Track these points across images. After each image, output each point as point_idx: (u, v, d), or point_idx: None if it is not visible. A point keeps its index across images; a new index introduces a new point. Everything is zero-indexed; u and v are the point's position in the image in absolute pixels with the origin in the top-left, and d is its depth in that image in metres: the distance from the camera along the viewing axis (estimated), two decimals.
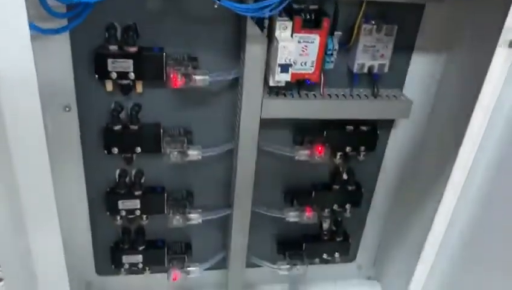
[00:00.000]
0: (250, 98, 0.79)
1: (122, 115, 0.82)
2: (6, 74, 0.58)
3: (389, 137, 0.96)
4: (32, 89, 0.60)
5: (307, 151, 0.86)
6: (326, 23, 0.75)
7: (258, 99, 0.79)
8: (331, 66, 0.80)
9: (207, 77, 0.76)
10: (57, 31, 0.66)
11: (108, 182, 0.89)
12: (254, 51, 0.74)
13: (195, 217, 0.89)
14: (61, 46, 0.75)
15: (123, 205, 0.89)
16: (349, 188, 0.98)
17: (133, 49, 0.74)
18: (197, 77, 0.75)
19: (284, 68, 0.73)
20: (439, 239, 0.88)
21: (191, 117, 0.86)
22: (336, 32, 0.78)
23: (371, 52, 0.81)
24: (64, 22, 0.69)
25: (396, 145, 0.97)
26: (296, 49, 0.75)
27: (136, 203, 0.89)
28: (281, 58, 0.72)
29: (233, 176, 0.90)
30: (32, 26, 0.62)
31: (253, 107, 0.80)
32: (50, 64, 0.75)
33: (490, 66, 0.67)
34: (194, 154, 0.83)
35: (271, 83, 0.78)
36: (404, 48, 0.85)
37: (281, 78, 0.74)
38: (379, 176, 1.01)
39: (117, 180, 0.89)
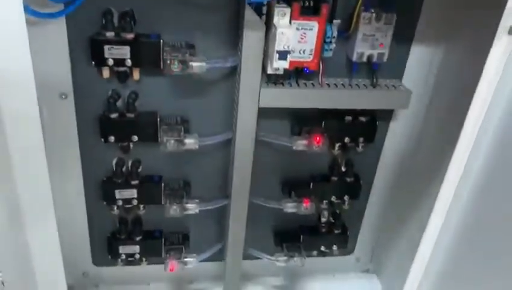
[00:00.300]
0: (248, 87, 0.78)
1: (119, 103, 0.82)
2: (0, 60, 0.58)
3: (388, 128, 0.95)
4: (28, 76, 0.60)
5: (304, 141, 0.85)
6: (325, 9, 0.74)
7: (256, 87, 0.79)
8: (330, 54, 0.79)
9: (204, 64, 0.75)
10: (53, 15, 0.66)
11: (105, 171, 0.89)
12: (252, 38, 0.73)
13: (192, 207, 0.89)
14: (57, 33, 0.74)
15: (120, 194, 0.88)
16: (348, 179, 0.97)
17: (130, 36, 0.74)
18: (194, 64, 0.74)
19: (282, 55, 0.73)
20: (436, 233, 0.87)
21: (189, 106, 0.85)
22: (334, 21, 0.78)
23: (370, 41, 0.80)
24: (60, 7, 0.68)
25: (395, 137, 0.96)
26: (295, 36, 0.75)
27: (133, 193, 0.89)
28: (279, 44, 0.72)
29: (231, 166, 0.89)
30: (27, 10, 0.61)
31: (251, 95, 0.79)
32: (46, 51, 0.74)
33: (489, 54, 0.66)
34: (191, 142, 0.82)
35: (269, 71, 0.78)
36: (403, 38, 0.84)
37: (279, 65, 0.74)
38: (378, 167, 1.01)
39: (114, 169, 0.88)
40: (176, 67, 0.73)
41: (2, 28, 0.56)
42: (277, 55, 0.72)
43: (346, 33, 0.80)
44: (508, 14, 0.65)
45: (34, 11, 0.63)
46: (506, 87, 0.71)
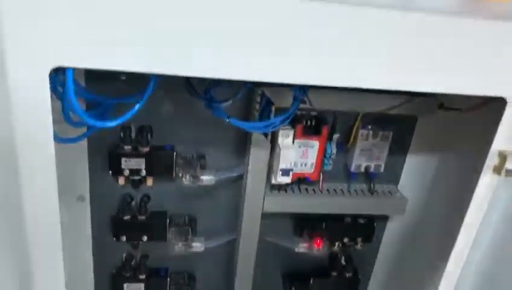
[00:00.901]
0: (253, 195, 0.84)
1: (132, 204, 0.87)
2: (27, 166, 0.63)
3: (385, 228, 1.00)
4: (51, 181, 0.64)
5: (305, 244, 0.90)
6: (325, 131, 0.81)
7: (260, 196, 0.84)
8: (329, 167, 0.85)
9: (213, 177, 0.81)
10: (74, 140, 0.71)
11: (115, 264, 0.93)
12: (258, 155, 0.80)
13: None
14: (78, 145, 0.79)
15: (128, 288, 0.92)
16: (347, 274, 1.00)
17: (146, 150, 0.80)
18: (204, 178, 0.80)
19: (285, 172, 0.79)
20: None
21: (197, 207, 0.91)
22: (334, 136, 0.84)
23: (368, 154, 0.86)
24: (82, 129, 0.74)
25: (392, 237, 1.00)
26: (297, 153, 0.81)
27: (140, 287, 0.92)
28: (282, 163, 0.78)
29: (234, 264, 0.93)
30: (55, 138, 0.67)
31: (255, 202, 0.85)
32: (67, 159, 0.80)
33: (476, 187, 0.70)
34: (197, 246, 0.87)
35: (273, 182, 0.83)
36: (399, 150, 0.90)
37: (282, 180, 0.80)
38: (376, 262, 1.04)
39: (123, 262, 0.93)
40: (187, 181, 0.79)
41: (32, 150, 0.61)
42: (280, 172, 0.78)
43: (345, 146, 0.86)
44: (495, 148, 0.69)
45: (61, 138, 0.69)
46: (502, 194, 0.75)
